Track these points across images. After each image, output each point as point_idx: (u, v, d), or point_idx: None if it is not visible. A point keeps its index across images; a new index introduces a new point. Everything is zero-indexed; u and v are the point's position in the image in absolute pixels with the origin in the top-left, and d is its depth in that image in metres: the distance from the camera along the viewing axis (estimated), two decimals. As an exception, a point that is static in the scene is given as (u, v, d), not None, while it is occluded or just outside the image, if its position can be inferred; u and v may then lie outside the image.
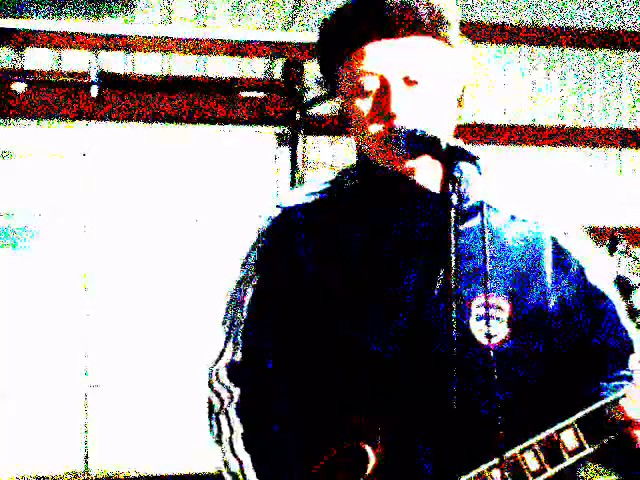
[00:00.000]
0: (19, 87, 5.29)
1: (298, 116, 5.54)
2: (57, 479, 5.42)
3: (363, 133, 1.91)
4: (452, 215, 1.72)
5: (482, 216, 1.82)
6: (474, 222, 1.94)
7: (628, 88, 6.08)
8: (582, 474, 1.97)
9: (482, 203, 1.84)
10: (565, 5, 5.98)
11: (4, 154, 5.47)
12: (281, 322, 1.98)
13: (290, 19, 5.66)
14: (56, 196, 5.49)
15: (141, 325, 5.53)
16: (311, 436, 1.94)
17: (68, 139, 5.51)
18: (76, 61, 5.43)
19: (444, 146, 1.76)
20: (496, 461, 1.83)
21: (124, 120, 5.49)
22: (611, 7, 6.03)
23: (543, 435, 1.85)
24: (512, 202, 2.02)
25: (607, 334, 1.98)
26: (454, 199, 1.73)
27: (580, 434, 1.85)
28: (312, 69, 5.51)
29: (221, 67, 5.62)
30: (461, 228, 1.91)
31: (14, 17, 5.30)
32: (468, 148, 1.76)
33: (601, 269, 1.99)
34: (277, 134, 5.66)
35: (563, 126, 5.99)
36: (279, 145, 5.67)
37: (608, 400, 1.85)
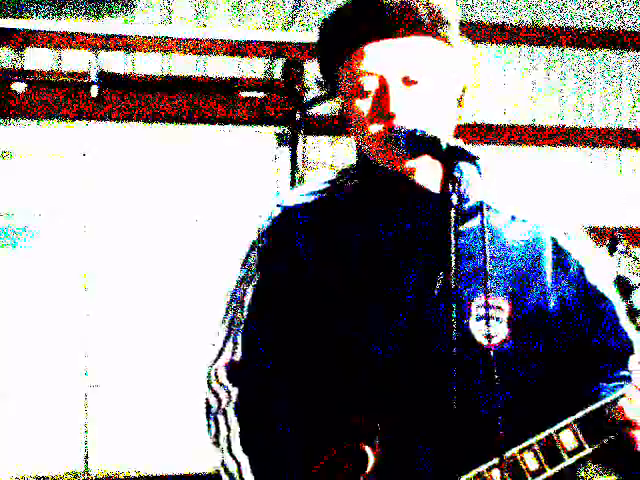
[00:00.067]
0: (19, 87, 5.28)
1: (298, 116, 5.54)
2: (57, 479, 5.42)
3: (363, 133, 1.91)
4: (452, 215, 1.72)
5: (482, 216, 1.81)
6: (474, 222, 1.94)
7: (628, 88, 6.08)
8: (582, 474, 1.97)
9: (482, 203, 1.84)
10: (565, 5, 5.98)
11: (4, 154, 5.47)
12: (281, 322, 1.98)
13: (290, 19, 5.66)
14: (56, 196, 5.48)
15: (141, 325, 5.52)
16: (311, 436, 1.94)
17: (68, 139, 5.51)
18: (76, 61, 5.43)
19: (444, 146, 1.76)
20: (496, 461, 1.83)
21: (124, 120, 5.49)
22: (611, 7, 6.03)
23: (542, 435, 1.85)
24: (512, 202, 2.02)
25: (607, 335, 1.98)
26: (454, 199, 1.73)
27: (579, 434, 1.85)
28: (312, 69, 5.51)
29: (221, 67, 5.61)
30: (461, 228, 1.91)
31: (14, 17, 5.30)
32: (468, 148, 1.76)
33: (601, 270, 1.99)
34: (277, 134, 5.66)
35: (563, 126, 5.99)
36: (279, 145, 5.67)
37: (607, 400, 1.85)
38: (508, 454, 1.84)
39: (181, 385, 5.36)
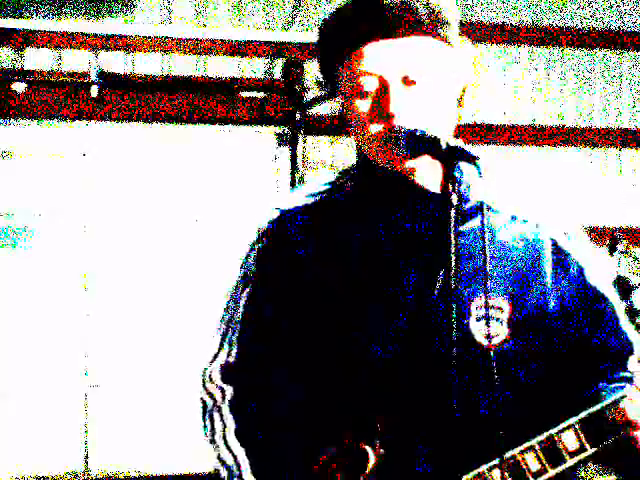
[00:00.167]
0: (19, 87, 5.28)
1: (298, 116, 5.54)
2: (57, 479, 5.42)
3: (363, 133, 1.91)
4: (452, 215, 1.72)
5: (482, 216, 1.81)
6: (474, 222, 1.94)
7: (628, 88, 6.08)
8: (582, 474, 1.97)
9: (482, 203, 1.84)
10: (565, 5, 5.98)
11: (4, 154, 5.47)
12: (280, 322, 1.98)
13: (290, 19, 5.66)
14: (56, 196, 5.48)
15: (141, 325, 5.52)
16: (311, 436, 1.94)
17: (68, 139, 5.50)
18: (76, 61, 5.43)
19: (444, 146, 1.76)
20: (496, 461, 1.83)
21: (124, 120, 5.49)
22: (611, 7, 6.03)
23: (544, 436, 1.85)
24: (512, 202, 2.02)
25: (607, 335, 1.98)
26: (454, 199, 1.73)
27: (581, 435, 1.85)
28: (312, 69, 5.51)
29: (221, 67, 5.61)
30: (461, 228, 1.91)
31: (14, 17, 5.30)
32: (468, 148, 1.76)
33: (601, 270, 1.99)
34: (277, 134, 5.66)
35: (563, 126, 5.99)
36: (279, 145, 5.67)
37: (609, 401, 1.85)
38: (509, 454, 1.84)
39: (181, 385, 5.36)
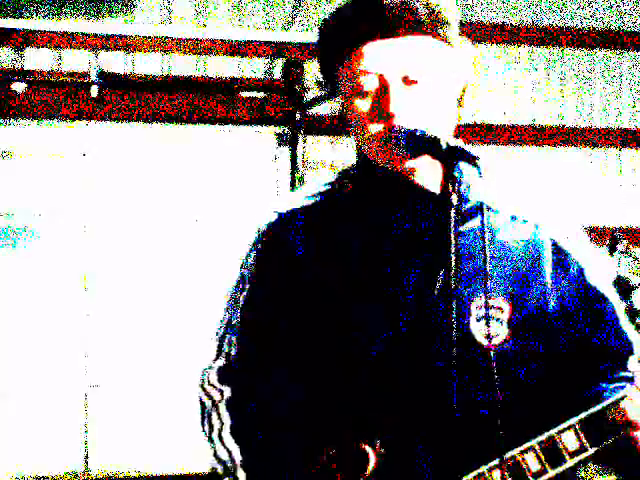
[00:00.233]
0: (19, 87, 5.28)
1: (298, 116, 5.54)
2: (57, 479, 5.42)
3: (363, 133, 1.91)
4: (452, 215, 1.72)
5: (482, 217, 1.81)
6: (474, 223, 1.94)
7: (628, 88, 6.08)
8: (582, 474, 1.97)
9: (482, 204, 1.84)
10: (565, 5, 5.98)
11: (4, 154, 5.47)
12: (280, 323, 1.98)
13: (290, 19, 5.66)
14: (56, 196, 5.48)
15: (141, 325, 5.52)
16: (310, 436, 1.94)
17: (68, 139, 5.51)
18: (76, 61, 5.43)
19: (444, 146, 1.76)
20: (497, 462, 1.82)
21: (124, 120, 5.49)
22: (611, 7, 6.03)
23: (544, 436, 1.85)
24: (512, 203, 2.02)
25: (607, 335, 1.98)
26: (454, 199, 1.73)
27: (581, 435, 1.85)
28: (312, 69, 5.51)
29: (221, 67, 5.61)
30: (461, 228, 1.91)
31: (14, 17, 5.30)
32: (468, 148, 1.76)
33: (601, 270, 1.99)
34: (277, 134, 5.66)
35: (563, 126, 5.99)
36: (279, 145, 5.67)
37: (609, 401, 1.85)
38: (509, 455, 1.83)
39: (181, 385, 5.36)
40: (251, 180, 5.65)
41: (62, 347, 5.44)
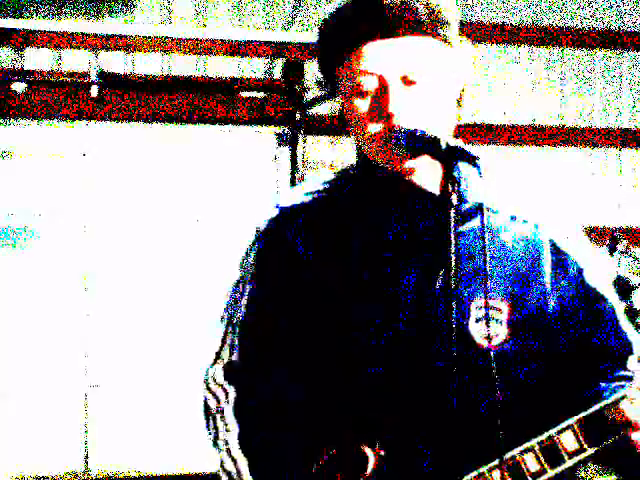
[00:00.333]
0: (19, 87, 5.28)
1: (298, 116, 5.54)
2: (57, 479, 5.42)
3: (362, 133, 1.91)
4: (452, 215, 1.72)
5: (482, 217, 1.81)
6: (474, 223, 1.94)
7: (628, 88, 6.08)
8: (582, 474, 1.97)
9: (482, 204, 1.84)
10: (565, 5, 5.98)
11: (4, 154, 5.47)
12: (279, 322, 1.98)
13: (290, 19, 5.66)
14: (56, 196, 5.49)
15: (141, 325, 5.53)
16: (311, 436, 1.94)
17: (68, 139, 5.51)
18: (76, 61, 5.43)
19: (444, 146, 1.76)
20: (496, 462, 1.82)
21: (124, 120, 5.49)
22: (611, 7, 6.03)
23: (543, 436, 1.85)
24: (512, 203, 2.02)
25: (606, 335, 1.98)
26: (454, 199, 1.73)
27: (580, 435, 1.85)
28: (312, 69, 5.51)
29: (221, 67, 5.61)
30: (461, 229, 1.91)
31: (14, 17, 5.30)
32: (468, 148, 1.75)
33: (600, 271, 1.99)
34: (277, 134, 5.66)
35: (563, 126, 5.99)
36: (279, 145, 5.67)
37: (608, 401, 1.85)
38: (509, 455, 1.83)
39: (181, 385, 5.36)
40: (251, 180, 5.66)
41: (62, 347, 5.44)
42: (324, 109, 5.50)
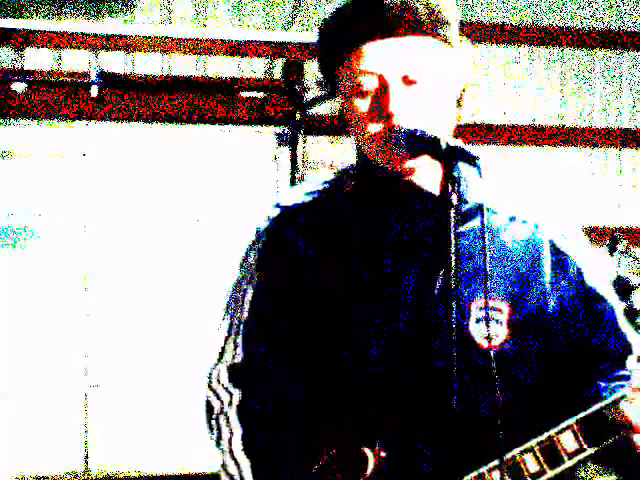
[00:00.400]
0: (19, 87, 5.28)
1: (298, 116, 5.54)
2: (57, 479, 5.42)
3: (362, 133, 1.91)
4: (452, 215, 1.72)
5: (482, 217, 1.81)
6: (474, 223, 1.94)
7: (628, 88, 6.08)
8: (582, 474, 1.97)
9: (482, 204, 1.84)
10: (565, 5, 5.98)
11: (4, 154, 5.47)
12: (281, 322, 1.98)
13: (290, 19, 5.66)
14: (56, 196, 5.48)
15: (141, 325, 5.52)
16: (311, 436, 1.94)
17: (68, 139, 5.50)
18: (76, 61, 5.43)
19: (444, 146, 1.76)
20: (496, 462, 1.82)
21: (124, 120, 5.49)
22: (611, 7, 6.03)
23: (543, 437, 1.85)
24: (512, 203, 2.02)
25: (606, 336, 1.98)
26: (454, 199, 1.73)
27: (579, 436, 1.85)
28: (312, 69, 5.51)
29: (221, 67, 5.61)
30: (461, 229, 1.91)
31: (14, 17, 5.30)
32: (468, 148, 1.75)
33: (599, 271, 1.99)
34: (277, 134, 5.66)
35: (563, 126, 5.99)
36: (279, 145, 5.67)
37: (608, 402, 1.85)
38: (508, 455, 1.83)
39: (181, 385, 5.36)
40: (251, 180, 5.65)
41: (62, 347, 5.44)
42: (324, 109, 5.50)
